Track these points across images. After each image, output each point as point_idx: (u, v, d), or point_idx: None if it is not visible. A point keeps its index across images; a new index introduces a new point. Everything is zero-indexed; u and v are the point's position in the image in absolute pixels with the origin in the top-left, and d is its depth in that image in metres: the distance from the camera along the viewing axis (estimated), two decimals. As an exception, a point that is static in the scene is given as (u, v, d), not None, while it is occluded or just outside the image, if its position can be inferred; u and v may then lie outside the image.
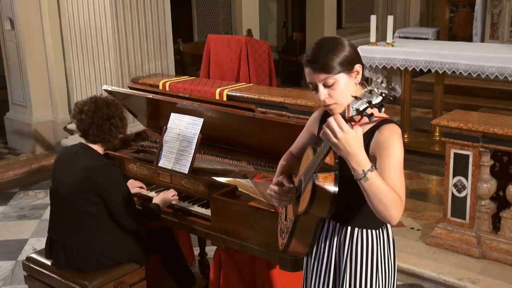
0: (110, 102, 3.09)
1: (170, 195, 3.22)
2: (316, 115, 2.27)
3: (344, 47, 2.00)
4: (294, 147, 2.39)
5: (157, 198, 3.21)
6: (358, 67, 2.02)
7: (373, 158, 1.97)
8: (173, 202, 3.23)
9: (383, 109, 1.73)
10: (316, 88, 2.02)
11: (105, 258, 3.06)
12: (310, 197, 1.92)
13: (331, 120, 1.80)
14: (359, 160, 1.82)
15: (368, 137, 1.99)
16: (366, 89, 1.75)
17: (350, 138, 1.78)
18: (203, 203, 3.17)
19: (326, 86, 1.99)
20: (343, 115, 1.79)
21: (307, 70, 2.02)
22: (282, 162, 2.39)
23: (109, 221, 3.04)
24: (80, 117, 3.03)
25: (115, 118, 3.05)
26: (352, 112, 1.76)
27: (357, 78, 2.02)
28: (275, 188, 2.22)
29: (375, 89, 1.72)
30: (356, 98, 1.76)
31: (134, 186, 3.36)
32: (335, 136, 1.78)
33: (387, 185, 1.86)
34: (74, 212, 3.01)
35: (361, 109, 1.74)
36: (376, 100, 1.71)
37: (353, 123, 1.80)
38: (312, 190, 1.92)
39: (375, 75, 1.72)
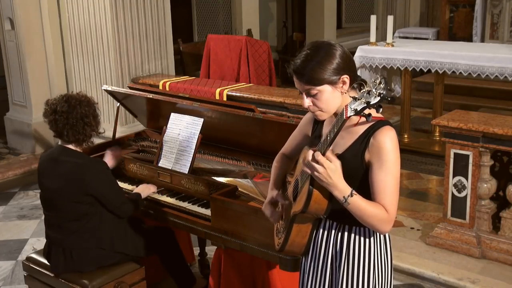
0: (82, 100, 3.05)
1: (151, 188, 3.32)
2: (309, 115, 2.28)
3: (334, 59, 1.99)
4: (287, 148, 2.41)
5: (138, 188, 3.30)
6: (345, 78, 2.01)
7: (369, 164, 2.00)
8: (174, 202, 3.23)
9: (380, 110, 1.79)
10: (302, 93, 2.07)
11: (104, 252, 3.08)
12: (307, 197, 1.95)
13: (307, 160, 1.91)
14: (339, 189, 1.92)
15: (363, 141, 2.00)
16: (364, 90, 1.78)
17: (330, 171, 1.89)
18: (203, 203, 3.17)
19: (309, 95, 2.03)
20: (339, 122, 1.84)
21: (293, 77, 2.06)
22: (275, 164, 2.40)
23: (104, 215, 3.07)
24: (54, 117, 2.99)
25: (89, 117, 3.02)
26: (350, 113, 1.80)
27: (343, 88, 2.02)
28: (269, 208, 2.29)
29: (373, 90, 1.76)
30: (354, 98, 1.80)
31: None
32: (317, 172, 1.89)
33: (371, 205, 1.95)
34: (69, 215, 3.01)
35: (359, 109, 1.79)
36: (374, 100, 1.76)
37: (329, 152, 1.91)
38: (309, 190, 1.94)
39: (374, 76, 1.73)
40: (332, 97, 2.01)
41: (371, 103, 1.76)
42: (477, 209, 3.93)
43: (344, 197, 1.92)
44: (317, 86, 1.99)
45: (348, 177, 1.95)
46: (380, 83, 1.76)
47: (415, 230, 4.35)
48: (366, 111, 1.79)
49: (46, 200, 3.10)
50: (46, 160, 3.09)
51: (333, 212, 2.06)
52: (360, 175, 2.00)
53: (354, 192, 1.92)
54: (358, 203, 1.93)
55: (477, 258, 3.90)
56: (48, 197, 3.07)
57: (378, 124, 1.99)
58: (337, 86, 2.01)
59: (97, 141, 3.29)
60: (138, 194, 3.23)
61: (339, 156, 1.99)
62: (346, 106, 1.81)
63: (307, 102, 2.05)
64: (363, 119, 2.00)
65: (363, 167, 2.00)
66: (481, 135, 3.75)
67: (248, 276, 3.07)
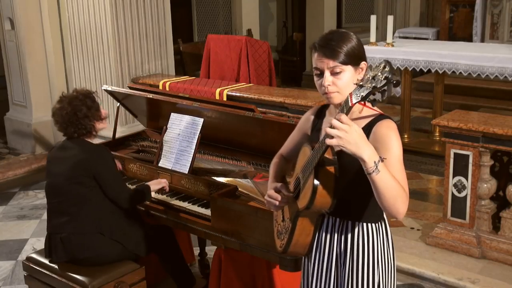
0: (73, 97, 3.18)
1: (162, 182, 3.32)
2: (308, 115, 2.27)
3: (354, 40, 2.03)
4: (285, 149, 2.38)
5: (150, 182, 3.32)
6: (363, 64, 2.04)
7: None
8: (174, 202, 3.23)
9: (386, 94, 1.73)
10: (321, 74, 2.02)
11: (103, 239, 3.10)
12: (312, 192, 1.92)
13: (334, 120, 1.79)
14: (370, 152, 1.81)
15: (365, 134, 1.99)
16: (368, 75, 1.75)
17: (358, 131, 1.80)
18: (203, 203, 3.17)
19: (332, 73, 2.00)
20: (343, 110, 1.80)
21: (316, 55, 2.02)
22: (273, 165, 2.38)
23: (104, 204, 3.11)
24: (55, 120, 3.19)
25: (81, 110, 3.13)
26: (355, 99, 1.77)
27: (359, 75, 2.02)
28: (273, 193, 2.19)
29: (379, 73, 1.73)
30: (359, 86, 1.77)
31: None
32: (344, 131, 1.77)
33: (394, 178, 1.86)
34: (70, 199, 3.08)
35: (364, 95, 1.75)
36: (381, 84, 1.71)
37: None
38: (314, 184, 1.91)
39: (377, 62, 1.73)
40: (350, 81, 1.99)
41: (377, 87, 1.71)
42: (477, 209, 3.93)
43: (375, 162, 1.80)
44: (344, 65, 1.99)
45: (347, 170, 1.93)
46: (384, 67, 1.73)
47: (415, 230, 4.35)
48: (371, 97, 1.75)
49: (50, 186, 3.19)
50: (56, 149, 3.26)
51: (336, 208, 2.03)
52: (357, 168, 1.94)
53: (382, 157, 1.83)
54: (386, 170, 1.82)
55: (477, 258, 3.90)
56: (53, 183, 3.16)
57: (379, 118, 2.01)
58: (357, 71, 2.02)
59: (96, 140, 3.32)
60: (147, 186, 3.24)
61: (341, 150, 1.98)
62: (350, 94, 1.78)
63: (328, 80, 1.99)
64: (366, 113, 2.01)
65: None
66: (481, 135, 3.75)
67: (248, 276, 3.07)
